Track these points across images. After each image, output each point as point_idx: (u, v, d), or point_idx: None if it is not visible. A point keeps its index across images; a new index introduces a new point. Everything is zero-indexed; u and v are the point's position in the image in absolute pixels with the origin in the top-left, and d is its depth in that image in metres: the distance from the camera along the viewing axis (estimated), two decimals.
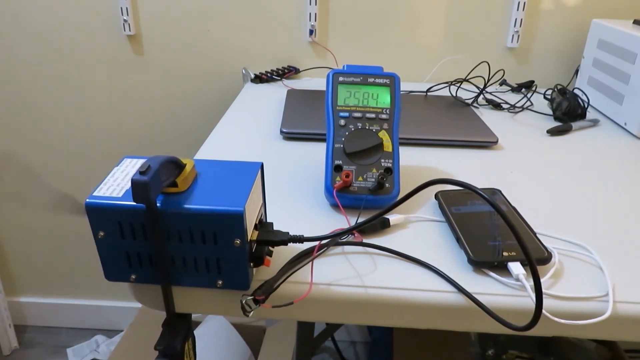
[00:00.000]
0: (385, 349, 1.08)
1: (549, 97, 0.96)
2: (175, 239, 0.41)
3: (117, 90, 1.20)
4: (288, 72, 1.12)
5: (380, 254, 0.50)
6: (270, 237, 0.45)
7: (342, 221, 0.55)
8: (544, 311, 0.42)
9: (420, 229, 0.55)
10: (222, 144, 0.76)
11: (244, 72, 1.14)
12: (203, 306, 0.46)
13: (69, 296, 1.52)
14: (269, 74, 1.10)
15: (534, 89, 1.05)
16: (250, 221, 0.42)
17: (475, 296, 0.44)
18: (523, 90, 1.07)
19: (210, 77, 1.18)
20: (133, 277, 0.43)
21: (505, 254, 0.47)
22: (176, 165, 0.41)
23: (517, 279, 0.45)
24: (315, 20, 1.10)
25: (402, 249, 0.50)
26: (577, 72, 1.08)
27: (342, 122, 0.59)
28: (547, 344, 0.79)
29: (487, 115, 0.92)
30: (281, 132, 0.78)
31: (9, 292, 1.49)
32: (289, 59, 1.15)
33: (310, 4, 1.08)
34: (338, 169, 0.57)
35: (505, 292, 0.45)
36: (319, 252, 0.49)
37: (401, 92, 1.00)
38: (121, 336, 1.18)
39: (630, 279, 0.48)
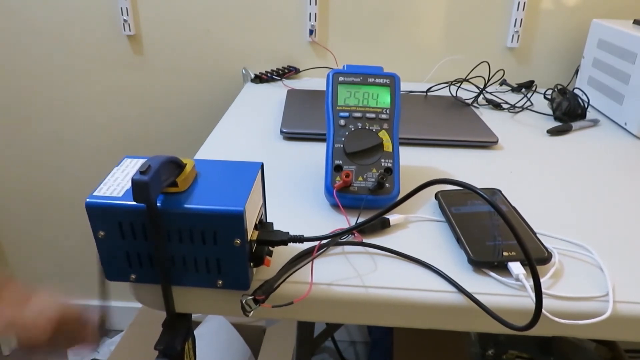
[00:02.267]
0: (385, 349, 1.08)
1: (549, 97, 0.96)
2: (175, 238, 0.41)
3: (117, 90, 1.20)
4: (288, 72, 1.12)
5: (380, 253, 0.50)
6: (270, 237, 0.45)
7: (342, 221, 0.55)
8: (543, 311, 0.42)
9: (420, 229, 0.55)
10: (222, 144, 0.76)
11: (244, 72, 1.14)
12: (203, 306, 0.47)
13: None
14: (269, 74, 1.10)
15: (534, 89, 1.05)
16: (250, 221, 0.42)
17: (475, 296, 0.44)
18: (523, 90, 1.07)
19: (210, 77, 1.18)
20: (133, 277, 0.43)
21: (505, 254, 0.47)
22: (176, 165, 0.41)
23: (517, 279, 0.45)
24: (315, 20, 1.10)
25: (402, 249, 0.50)
26: (577, 72, 1.08)
27: (342, 122, 0.59)
28: (547, 344, 0.79)
29: (487, 115, 0.92)
30: (281, 132, 0.78)
31: None
32: (289, 59, 1.15)
33: (310, 4, 1.08)
34: (338, 169, 0.57)
35: (505, 292, 0.45)
36: (319, 252, 0.49)
37: (401, 92, 1.00)
38: (121, 336, 1.18)
39: (630, 279, 0.48)
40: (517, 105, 0.96)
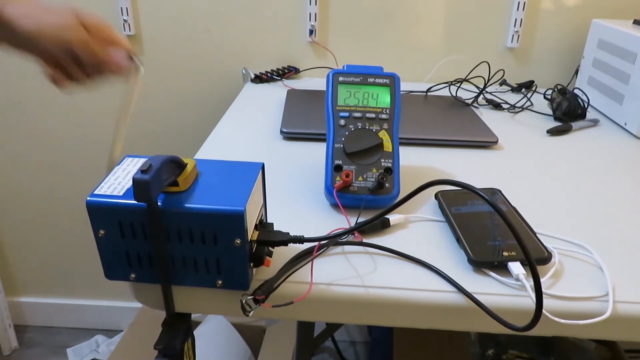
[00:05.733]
0: (385, 349, 1.08)
1: (549, 97, 0.96)
2: (175, 238, 0.41)
3: (118, 90, 1.20)
4: (288, 72, 1.12)
5: (380, 253, 0.50)
6: (270, 238, 0.45)
7: (342, 221, 0.55)
8: (544, 311, 0.42)
9: (420, 228, 0.55)
10: (222, 144, 0.76)
11: (244, 72, 1.14)
12: (203, 306, 0.47)
13: (69, 296, 1.51)
14: (269, 74, 1.10)
15: (534, 89, 1.05)
16: (251, 221, 0.42)
17: (475, 296, 0.44)
18: (523, 90, 1.07)
19: (210, 77, 1.18)
20: (133, 276, 0.43)
21: (505, 253, 0.47)
22: (177, 165, 0.41)
23: (517, 279, 0.45)
24: (315, 20, 1.10)
25: (402, 249, 0.50)
26: (577, 72, 1.08)
27: (342, 122, 0.59)
28: (547, 344, 0.79)
29: (487, 115, 0.92)
30: (281, 132, 0.79)
31: (9, 292, 1.49)
32: (289, 59, 1.15)
33: (310, 4, 1.08)
34: (338, 168, 0.57)
35: (505, 292, 0.45)
36: (318, 252, 0.49)
37: (401, 92, 1.00)
38: (121, 336, 1.18)
39: (630, 279, 0.48)
40: (517, 105, 0.96)
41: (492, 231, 0.51)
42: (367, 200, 0.56)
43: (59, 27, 0.51)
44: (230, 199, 0.40)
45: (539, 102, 0.99)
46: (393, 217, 0.54)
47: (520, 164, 0.72)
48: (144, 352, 1.11)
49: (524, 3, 1.06)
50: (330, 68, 1.14)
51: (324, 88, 0.81)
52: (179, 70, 1.17)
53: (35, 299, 1.52)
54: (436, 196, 0.59)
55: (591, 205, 0.61)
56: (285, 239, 0.45)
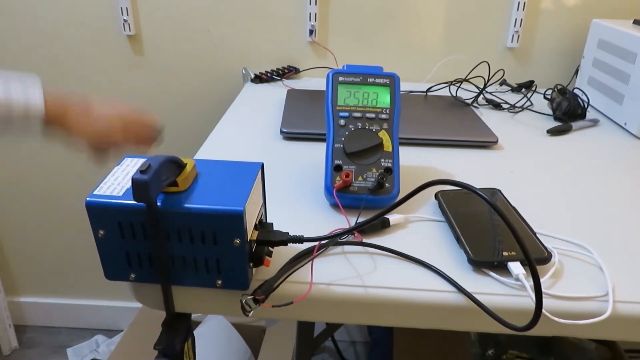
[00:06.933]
0: (385, 349, 1.08)
1: (549, 97, 0.96)
2: (175, 238, 0.41)
3: (117, 90, 1.20)
4: (288, 72, 1.12)
5: (380, 253, 0.50)
6: (270, 237, 0.45)
7: (342, 221, 0.55)
8: (543, 311, 0.42)
9: (420, 228, 0.55)
10: (222, 144, 0.76)
11: (244, 72, 1.14)
12: (203, 306, 0.47)
13: (69, 296, 1.51)
14: (269, 74, 1.10)
15: (534, 89, 1.05)
16: (250, 221, 0.42)
17: (475, 296, 0.44)
18: (523, 90, 1.07)
19: (210, 77, 1.18)
20: (133, 276, 0.43)
21: (505, 253, 0.47)
22: (177, 165, 0.41)
23: (517, 279, 0.45)
24: (315, 20, 1.10)
25: (402, 249, 0.50)
26: (577, 72, 1.08)
27: (342, 122, 0.59)
28: (547, 344, 0.79)
29: (487, 115, 0.92)
30: (281, 132, 0.78)
31: (9, 292, 1.49)
32: (289, 59, 1.15)
33: (310, 4, 1.08)
34: (338, 168, 0.57)
35: (505, 292, 0.45)
36: (318, 252, 0.49)
37: (401, 92, 1.00)
38: (121, 336, 1.18)
39: (630, 279, 0.48)
40: (517, 105, 0.96)
41: (492, 231, 0.51)
42: (367, 200, 0.56)
43: (104, 134, 0.62)
44: (229, 199, 0.40)
45: (539, 102, 0.99)
46: (393, 217, 0.54)
47: (520, 164, 0.72)
48: (144, 352, 1.11)
49: (524, 3, 1.06)
50: (330, 68, 1.14)
51: (324, 88, 0.81)
52: (179, 70, 1.17)
53: (35, 299, 1.52)
54: (436, 196, 0.59)
55: (591, 205, 0.61)
56: (285, 239, 0.45)
